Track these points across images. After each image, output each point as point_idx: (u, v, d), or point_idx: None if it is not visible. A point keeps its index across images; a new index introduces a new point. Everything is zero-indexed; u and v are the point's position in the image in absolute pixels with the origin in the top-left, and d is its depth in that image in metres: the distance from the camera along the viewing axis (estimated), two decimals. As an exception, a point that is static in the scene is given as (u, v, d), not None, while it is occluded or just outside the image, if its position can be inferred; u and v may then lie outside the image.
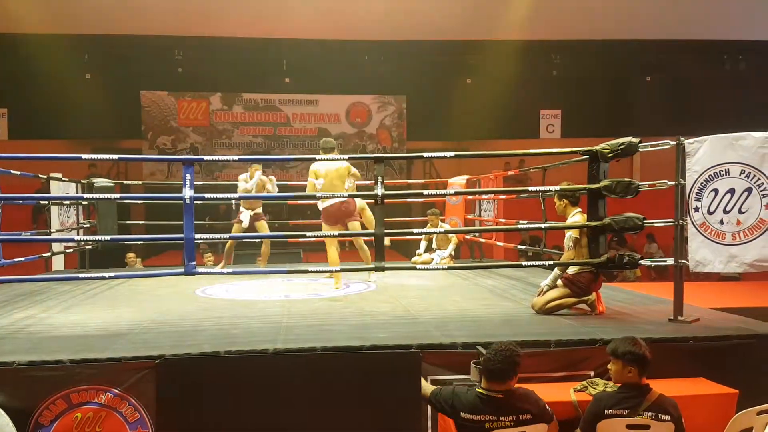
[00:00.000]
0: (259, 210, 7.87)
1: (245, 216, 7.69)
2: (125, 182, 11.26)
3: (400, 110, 16.09)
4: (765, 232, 4.41)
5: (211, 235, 6.76)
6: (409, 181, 12.77)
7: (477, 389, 3.33)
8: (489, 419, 3.22)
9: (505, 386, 3.29)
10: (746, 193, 4.47)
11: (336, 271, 6.29)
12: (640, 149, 4.79)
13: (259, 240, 7.99)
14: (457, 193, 8.89)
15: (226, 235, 6.93)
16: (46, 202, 7.74)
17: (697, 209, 4.65)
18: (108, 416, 3.71)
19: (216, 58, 14.15)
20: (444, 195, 8.58)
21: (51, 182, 7.77)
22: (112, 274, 5.64)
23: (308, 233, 6.02)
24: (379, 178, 4.78)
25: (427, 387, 3.69)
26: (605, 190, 4.78)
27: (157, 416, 3.77)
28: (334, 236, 6.43)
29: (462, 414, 3.27)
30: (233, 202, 8.06)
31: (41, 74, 13.49)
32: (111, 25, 12.94)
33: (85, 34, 13.23)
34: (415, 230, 7.08)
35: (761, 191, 4.42)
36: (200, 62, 14.07)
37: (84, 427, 3.68)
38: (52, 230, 7.71)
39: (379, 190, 4.72)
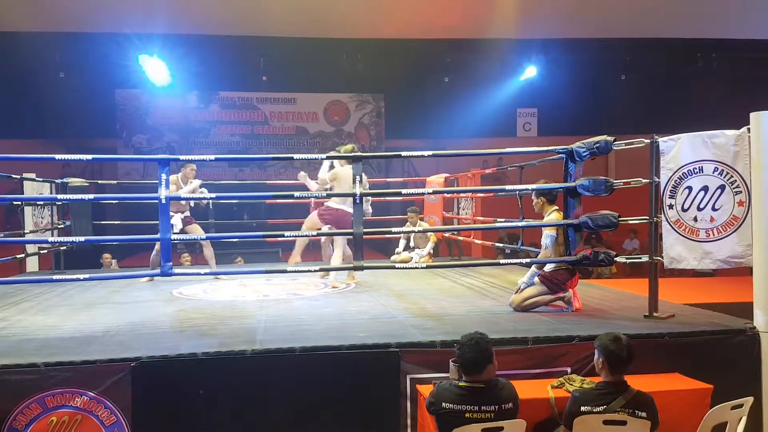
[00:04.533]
0: (188, 213, 7.37)
1: (176, 220, 7.14)
2: (100, 182, 11.11)
3: (379, 109, 16.08)
4: (738, 228, 4.48)
5: (188, 235, 6.71)
6: (388, 179, 12.75)
7: (459, 383, 3.34)
8: (470, 409, 3.23)
9: (485, 376, 3.30)
10: (719, 191, 4.54)
11: (321, 270, 6.34)
12: (615, 147, 4.84)
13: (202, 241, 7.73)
14: (435, 192, 8.91)
15: (203, 236, 6.88)
16: (20, 202, 7.63)
17: (671, 206, 4.71)
18: (84, 420, 3.67)
19: (193, 56, 14.01)
20: (423, 194, 8.59)
21: (24, 182, 7.66)
22: (87, 276, 5.56)
23: (287, 233, 6.00)
24: (358, 177, 4.78)
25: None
26: (581, 188, 4.82)
27: (133, 419, 3.73)
28: (311, 236, 6.43)
29: (444, 404, 3.27)
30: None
31: (13, 73, 13.28)
32: (85, 22, 12.76)
33: (59, 32, 13.03)
34: (394, 229, 7.08)
35: (734, 188, 4.49)
36: (177, 60, 13.91)
37: (60, 431, 3.64)
38: (25, 231, 7.60)
39: (358, 189, 4.72)
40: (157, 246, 7.26)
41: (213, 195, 7.17)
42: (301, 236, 6.50)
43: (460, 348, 3.35)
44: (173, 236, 4.64)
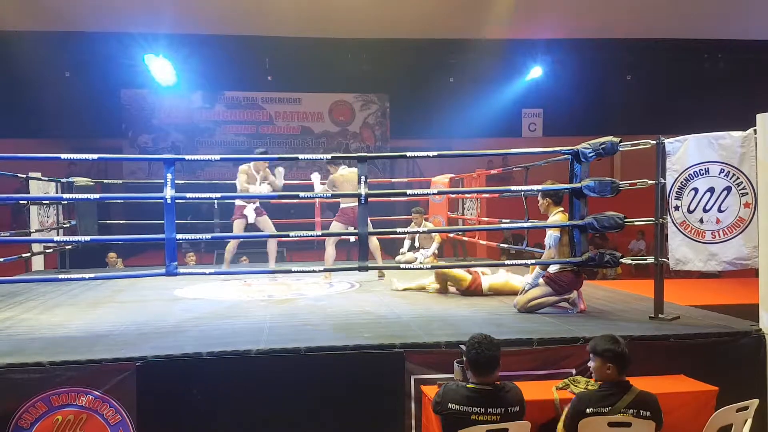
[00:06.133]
0: (258, 204, 7.38)
1: (248, 211, 7.23)
2: (105, 181, 11.13)
3: (384, 108, 16.08)
4: (744, 230, 4.46)
5: (193, 235, 6.68)
6: (393, 179, 12.73)
7: (467, 385, 3.34)
8: (476, 411, 3.22)
9: (494, 378, 3.31)
10: (725, 192, 4.52)
11: (326, 271, 6.39)
12: (620, 148, 4.82)
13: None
14: (440, 193, 8.90)
15: (208, 236, 6.86)
16: (26, 202, 7.65)
17: (677, 208, 4.70)
18: (89, 419, 3.68)
19: (198, 56, 14.04)
20: (427, 194, 8.59)
21: (30, 182, 7.68)
22: (92, 275, 5.58)
23: (291, 233, 5.99)
24: (363, 177, 4.78)
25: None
26: (587, 189, 4.81)
27: (138, 418, 3.74)
28: (317, 236, 6.44)
29: (450, 405, 3.27)
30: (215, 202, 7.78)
31: (19, 72, 13.30)
32: (91, 22, 12.79)
33: (64, 32, 13.07)
34: (398, 229, 7.07)
35: (740, 190, 4.47)
36: (182, 60, 13.94)
37: (65, 430, 3.65)
38: (31, 230, 7.62)
39: (363, 190, 4.71)
40: (232, 243, 7.39)
41: (218, 195, 7.18)
42: (306, 237, 6.51)
43: (476, 347, 3.31)
44: (179, 236, 4.64)
